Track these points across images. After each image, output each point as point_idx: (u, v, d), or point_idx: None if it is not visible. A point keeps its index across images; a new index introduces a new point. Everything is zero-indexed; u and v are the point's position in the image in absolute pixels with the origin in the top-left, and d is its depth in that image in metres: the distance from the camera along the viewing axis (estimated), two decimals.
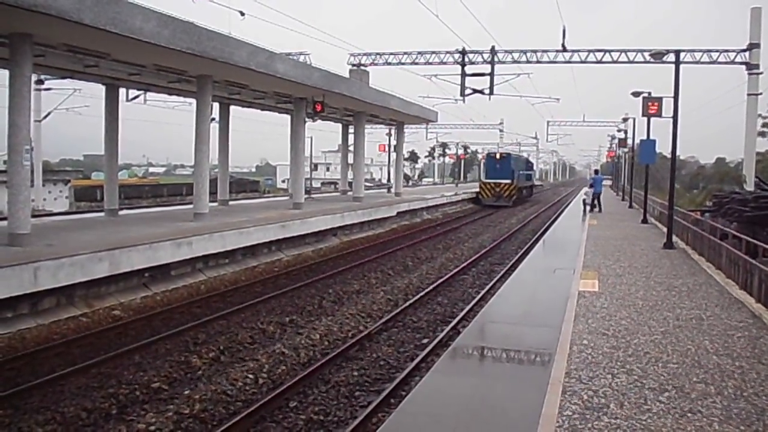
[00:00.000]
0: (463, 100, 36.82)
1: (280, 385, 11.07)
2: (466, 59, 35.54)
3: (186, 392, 10.58)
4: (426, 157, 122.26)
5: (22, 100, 15.93)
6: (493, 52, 35.22)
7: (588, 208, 38.45)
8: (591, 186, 40.98)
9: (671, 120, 22.42)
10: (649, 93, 25.62)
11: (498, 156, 60.95)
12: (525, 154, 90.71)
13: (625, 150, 59.89)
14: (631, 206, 46.12)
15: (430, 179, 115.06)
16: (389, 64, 37.93)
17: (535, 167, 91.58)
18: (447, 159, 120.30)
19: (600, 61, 34.85)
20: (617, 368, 9.19)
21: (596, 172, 52.54)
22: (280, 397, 10.54)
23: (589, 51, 35.11)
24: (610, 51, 34.70)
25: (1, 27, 15.46)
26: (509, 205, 57.90)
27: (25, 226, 16.14)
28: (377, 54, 38.18)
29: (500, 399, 8.33)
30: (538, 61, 35.89)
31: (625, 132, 54.90)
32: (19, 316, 13.79)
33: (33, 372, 11.57)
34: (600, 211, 38.86)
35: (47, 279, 14.13)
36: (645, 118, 26.53)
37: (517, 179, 61.13)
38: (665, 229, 24.49)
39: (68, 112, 51.28)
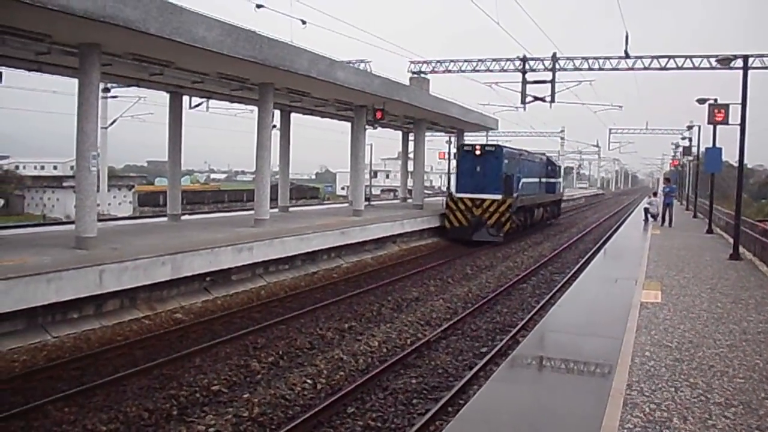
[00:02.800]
0: (524, 108, 36.38)
1: (338, 391, 11.06)
2: (527, 66, 35.21)
3: (245, 395, 10.65)
4: None
5: (90, 107, 16.31)
6: (554, 59, 34.84)
7: (650, 218, 37.40)
8: (654, 194, 39.77)
9: (738, 127, 21.85)
10: (716, 100, 25.06)
11: (478, 151, 33.35)
12: (547, 155, 50.44)
13: (690, 158, 58.02)
14: (695, 216, 45.04)
15: None
16: (449, 71, 37.80)
17: (561, 172, 55.32)
18: None
19: (664, 68, 34.10)
20: (681, 381, 8.94)
21: (667, 181, 42.86)
22: (338, 402, 10.52)
23: (653, 57, 34.41)
24: (674, 57, 33.94)
25: (72, 37, 15.87)
26: (498, 241, 32.28)
27: (92, 229, 16.50)
28: (437, 62, 38.10)
29: (560, 410, 8.16)
30: (600, 68, 35.29)
31: (690, 140, 53.50)
32: (85, 317, 14.13)
33: (97, 372, 11.83)
34: (670, 225, 35.33)
35: (112, 281, 14.44)
36: (711, 126, 25.93)
37: (518, 192, 34.49)
38: (731, 240, 23.83)
39: (133, 120, 52.53)
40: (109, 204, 45.11)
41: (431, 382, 11.88)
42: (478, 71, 37.33)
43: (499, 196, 32.24)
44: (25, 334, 12.84)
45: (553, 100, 34.98)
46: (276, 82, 22.19)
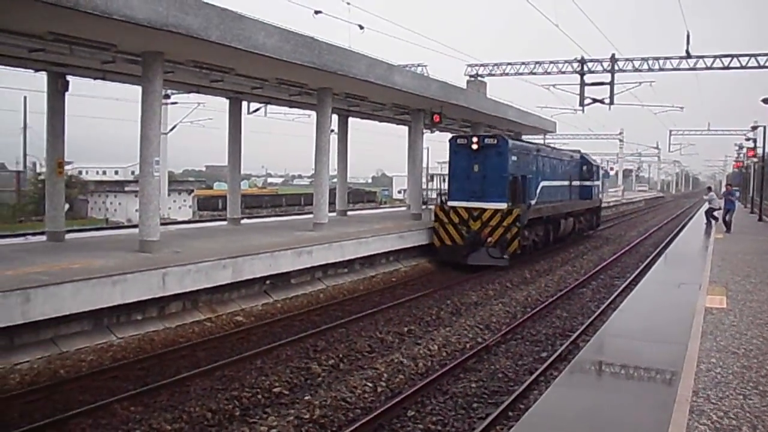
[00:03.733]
0: (582, 110, 36.00)
1: (398, 394, 11.07)
2: (585, 68, 34.82)
3: (306, 397, 10.72)
4: None
5: (153, 114, 16.70)
6: (613, 60, 34.35)
7: (713, 220, 36.21)
8: (709, 189, 38.30)
9: None
10: None
11: (476, 145, 25.62)
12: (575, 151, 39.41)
13: (755, 160, 56.40)
14: (761, 219, 43.78)
15: None
16: (506, 74, 37.60)
17: (599, 173, 43.29)
18: None
19: (727, 67, 33.28)
20: (749, 389, 8.69)
21: (729, 186, 40.10)
22: (398, 406, 10.53)
23: (715, 57, 33.62)
24: (738, 56, 33.12)
25: (136, 46, 16.26)
26: (502, 265, 24.65)
27: (155, 233, 16.84)
28: (494, 65, 37.92)
29: (625, 416, 8.00)
30: (660, 69, 34.63)
31: (755, 141, 52.10)
32: (148, 319, 14.41)
33: (161, 372, 12.05)
34: (729, 230, 32.64)
35: (174, 284, 14.69)
36: None
37: (535, 198, 27.92)
38: None
39: (192, 125, 53.44)
40: (170, 208, 45.91)
41: (491, 387, 11.81)
42: (535, 74, 37.06)
43: (503, 205, 24.48)
44: (92, 334, 13.16)
45: (612, 102, 34.49)
46: (334, 87, 22.36)
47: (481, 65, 38.18)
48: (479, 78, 37.83)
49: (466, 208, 24.99)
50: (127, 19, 13.69)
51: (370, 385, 11.49)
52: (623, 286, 21.34)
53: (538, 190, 28.08)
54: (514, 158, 25.49)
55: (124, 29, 14.24)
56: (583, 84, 34.99)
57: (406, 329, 15.49)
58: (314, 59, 18.53)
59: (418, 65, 37.15)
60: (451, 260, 24.94)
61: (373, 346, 14.03)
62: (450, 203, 25.61)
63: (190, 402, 10.46)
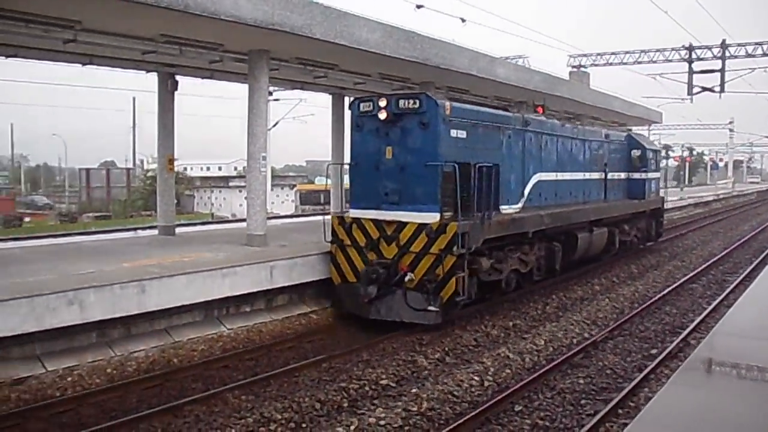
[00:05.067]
0: (691, 99, 34.82)
1: (505, 389, 11.00)
2: (694, 55, 33.64)
3: (413, 390, 10.74)
4: None
5: (259, 111, 17.09)
6: (723, 46, 33.07)
7: None
8: None
9: None
10: None
11: (384, 113, 14.74)
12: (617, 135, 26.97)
13: None
14: None
15: None
16: (610, 64, 36.75)
17: (657, 160, 29.23)
18: (671, 162, 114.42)
19: None
20: None
21: None
22: (505, 400, 10.45)
23: None
24: None
25: (242, 45, 16.67)
26: (429, 322, 14.26)
27: (262, 227, 17.23)
28: (598, 54, 37.13)
29: (742, 418, 7.69)
30: None
31: None
32: (256, 311, 14.77)
33: (269, 363, 12.36)
34: None
35: (281, 277, 14.99)
36: None
37: (519, 202, 17.84)
38: None
39: (294, 121, 54.37)
40: (273, 202, 46.82)
41: (599, 383, 11.58)
42: (640, 63, 36.09)
43: (432, 216, 14.45)
44: (203, 325, 13.60)
45: (722, 90, 33.23)
46: (436, 80, 22.34)
47: (584, 55, 37.46)
48: (582, 69, 37.09)
49: (374, 222, 14.99)
50: (234, 19, 14.06)
51: (477, 379, 11.43)
52: (736, 282, 20.50)
53: (527, 188, 18.19)
54: (457, 133, 15.20)
55: (232, 29, 14.61)
56: (691, 72, 33.84)
57: (511, 324, 15.38)
58: (417, 53, 18.56)
59: (520, 57, 36.67)
60: (350, 309, 15.29)
61: (478, 340, 13.99)
62: (352, 212, 15.67)
63: (299, 392, 10.65)
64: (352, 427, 9.26)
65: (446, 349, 13.21)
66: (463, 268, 14.29)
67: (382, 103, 14.81)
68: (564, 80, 30.05)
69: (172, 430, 9.38)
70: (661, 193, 30.10)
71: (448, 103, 15.04)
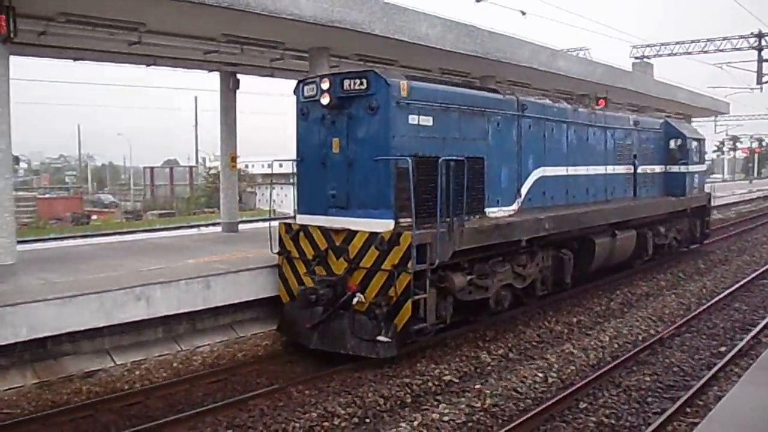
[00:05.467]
0: (760, 89, 33.89)
1: (570, 385, 10.87)
2: (764, 42, 32.69)
3: (477, 386, 10.70)
4: (714, 151, 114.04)
5: None
6: None
7: None
8: None
9: None
10: None
11: (327, 97, 12.11)
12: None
13: None
14: None
15: (719, 175, 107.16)
16: (674, 54, 36.04)
17: (701, 151, 24.71)
18: (739, 153, 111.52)
19: None
20: None
21: None
22: (570, 397, 10.33)
23: None
24: None
25: (302, 42, 16.81)
26: (379, 355, 11.44)
27: None
28: (662, 44, 36.46)
29: None
30: None
31: None
32: None
33: (332, 360, 12.38)
34: None
35: None
36: None
37: (514, 203, 14.85)
38: None
39: None
40: None
41: (666, 381, 11.33)
42: (706, 52, 35.25)
43: (385, 224, 11.77)
44: (266, 321, 13.70)
45: None
46: (497, 74, 22.24)
47: (647, 46, 36.84)
48: (645, 60, 36.41)
49: (322, 230, 12.48)
50: (294, 17, 14.21)
51: (541, 375, 11.33)
52: None
53: (525, 186, 15.26)
54: (419, 120, 12.24)
55: (292, 27, 14.78)
56: (760, 60, 32.96)
57: (575, 319, 15.16)
58: (477, 48, 18.52)
59: (581, 49, 36.21)
60: (293, 338, 12.94)
61: (542, 336, 13.85)
62: (299, 218, 13.27)
63: (363, 387, 10.70)
64: (416, 423, 9.27)
65: (509, 345, 13.13)
66: (425, 287, 11.48)
67: (325, 85, 12.14)
68: (627, 72, 29.58)
69: (238, 423, 9.51)
70: (707, 188, 26.51)
71: (404, 82, 11.89)
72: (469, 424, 9.39)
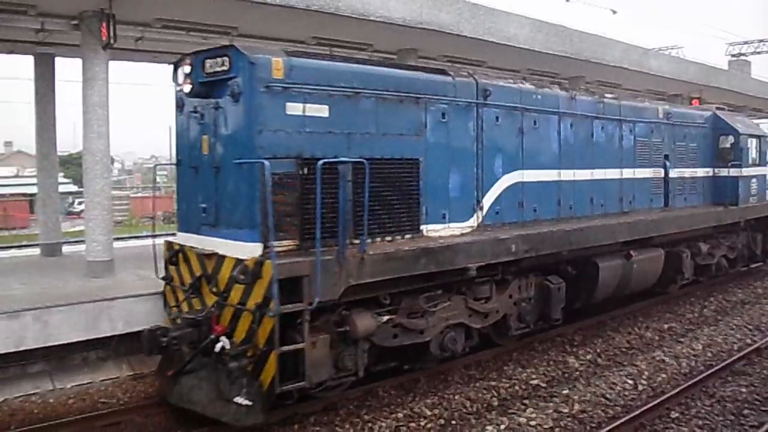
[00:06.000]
0: None
1: (661, 394, 10.60)
2: None
3: (564, 392, 10.56)
4: None
5: None
6: None
7: None
8: None
9: None
10: None
11: (188, 83, 9.54)
12: None
13: None
14: None
15: None
16: None
17: (760, 148, 20.21)
18: None
19: None
20: None
21: None
22: (661, 406, 10.08)
23: None
24: None
25: (391, 44, 16.99)
26: (237, 422, 8.61)
27: None
28: (760, 41, 35.22)
29: None
30: None
31: None
32: None
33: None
34: None
35: None
36: None
37: (473, 216, 11.55)
38: None
39: None
40: None
41: (764, 393, 10.88)
42: None
43: (250, 248, 8.78)
44: None
45: None
46: (586, 75, 21.94)
47: (744, 43, 35.70)
48: (742, 57, 35.26)
49: (197, 252, 9.74)
50: (383, 19, 14.35)
51: (630, 382, 11.11)
52: None
53: (490, 195, 11.91)
54: (305, 109, 9.25)
55: (381, 29, 14.93)
56: None
57: (666, 326, 14.81)
58: (566, 48, 18.36)
59: (673, 47, 35.37)
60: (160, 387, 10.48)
61: (631, 343, 13.57)
62: (178, 236, 10.45)
63: (450, 390, 10.69)
64: (502, 427, 9.22)
65: (598, 350, 12.92)
66: (303, 334, 8.58)
67: (186, 68, 9.65)
68: (722, 70, 28.84)
69: None
70: None
71: (277, 59, 8.92)
72: (557, 430, 9.26)
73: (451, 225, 11.15)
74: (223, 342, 8.56)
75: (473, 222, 11.54)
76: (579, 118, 13.81)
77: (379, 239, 9.88)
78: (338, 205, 8.86)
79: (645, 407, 9.91)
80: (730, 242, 19.10)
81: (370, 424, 9.36)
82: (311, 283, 8.50)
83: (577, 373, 11.70)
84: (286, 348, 8.40)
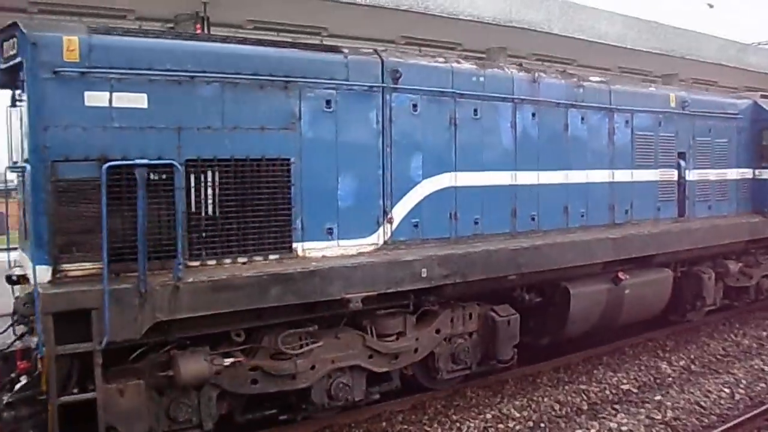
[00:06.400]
0: None
1: (760, 404, 10.23)
2: None
3: (657, 398, 10.31)
4: None
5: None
6: None
7: None
8: None
9: None
10: None
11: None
12: None
13: None
14: None
15: None
16: None
17: None
18: None
19: None
20: None
21: None
22: (760, 417, 9.74)
23: None
24: None
25: (480, 43, 16.82)
26: None
27: None
28: None
29: None
30: None
31: None
32: None
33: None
34: None
35: None
36: None
37: (372, 232, 8.90)
38: None
39: None
40: None
41: None
42: None
43: (40, 271, 6.75)
44: None
45: None
46: (680, 72, 21.34)
47: None
48: None
49: (7, 276, 8.46)
50: (472, 18, 14.31)
51: (727, 390, 10.76)
52: None
53: (402, 204, 9.25)
54: (112, 98, 7.17)
55: (470, 27, 14.87)
56: None
57: (765, 334, 14.28)
58: (659, 44, 17.96)
59: None
60: None
61: (727, 350, 13.15)
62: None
63: (538, 392, 10.57)
64: (593, 431, 9.09)
65: (692, 356, 12.55)
66: (96, 381, 6.87)
67: None
68: None
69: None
70: None
71: (70, 38, 6.98)
72: None
73: (342, 243, 8.70)
74: (23, 382, 7.10)
75: (376, 239, 9.01)
76: (545, 105, 10.81)
77: (228, 260, 7.75)
78: (138, 219, 6.92)
79: (743, 417, 9.62)
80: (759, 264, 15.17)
81: (458, 424, 9.33)
82: (100, 320, 6.73)
83: (670, 379, 11.40)
84: (66, 398, 6.72)
